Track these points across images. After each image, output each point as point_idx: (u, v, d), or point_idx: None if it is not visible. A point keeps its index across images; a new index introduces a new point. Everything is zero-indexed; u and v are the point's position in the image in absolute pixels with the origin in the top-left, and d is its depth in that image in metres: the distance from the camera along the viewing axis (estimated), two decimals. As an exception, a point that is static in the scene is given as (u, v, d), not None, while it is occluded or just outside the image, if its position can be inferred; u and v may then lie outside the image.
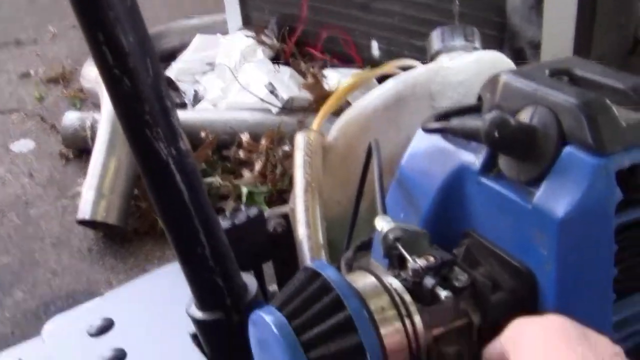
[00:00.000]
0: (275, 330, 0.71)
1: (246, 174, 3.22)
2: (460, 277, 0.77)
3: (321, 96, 3.20)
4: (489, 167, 0.84)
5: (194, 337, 1.13)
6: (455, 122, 0.86)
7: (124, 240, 3.22)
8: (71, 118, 3.75)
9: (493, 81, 0.87)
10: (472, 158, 0.85)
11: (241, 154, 3.30)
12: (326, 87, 3.45)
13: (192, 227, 0.97)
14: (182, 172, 0.94)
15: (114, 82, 0.77)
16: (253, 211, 1.25)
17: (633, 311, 0.82)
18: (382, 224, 0.84)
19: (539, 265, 0.77)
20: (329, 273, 0.74)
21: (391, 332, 0.73)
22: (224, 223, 1.24)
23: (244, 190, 3.12)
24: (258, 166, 3.19)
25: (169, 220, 0.98)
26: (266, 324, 0.73)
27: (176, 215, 0.97)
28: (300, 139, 1.36)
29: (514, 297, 0.79)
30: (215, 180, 3.20)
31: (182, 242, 0.99)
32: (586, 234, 0.75)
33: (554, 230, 0.74)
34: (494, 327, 0.75)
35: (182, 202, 0.96)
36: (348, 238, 1.17)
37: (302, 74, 3.68)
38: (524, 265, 0.79)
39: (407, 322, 0.74)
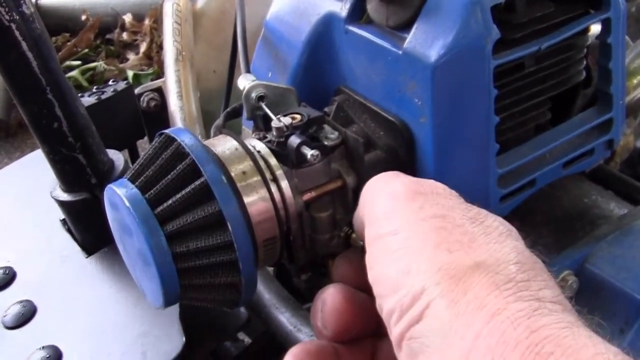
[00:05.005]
0: (127, 203, 0.63)
1: (131, 56, 3.12)
2: (331, 136, 0.71)
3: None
4: (357, 13, 0.77)
5: (64, 222, 1.08)
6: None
7: (8, 135, 3.12)
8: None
9: None
10: (339, 5, 0.78)
11: (125, 36, 3.20)
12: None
13: (45, 99, 0.92)
14: (29, 39, 0.88)
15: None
16: (120, 85, 1.19)
17: (519, 163, 0.77)
18: (245, 82, 0.77)
19: (414, 118, 0.71)
20: (184, 138, 0.65)
21: (255, 200, 0.66)
22: (90, 99, 1.17)
23: (130, 73, 3.02)
24: (143, 47, 3.09)
25: (20, 94, 0.93)
26: (118, 198, 0.65)
27: (27, 87, 0.92)
28: (168, 5, 1.27)
29: (390, 154, 0.73)
30: (100, 64, 3.10)
31: (36, 118, 0.93)
32: (462, 79, 0.68)
33: (427, 77, 0.67)
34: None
35: (31, 72, 0.90)
36: (224, 107, 1.11)
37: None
38: (399, 120, 0.72)
39: (273, 187, 0.67)
